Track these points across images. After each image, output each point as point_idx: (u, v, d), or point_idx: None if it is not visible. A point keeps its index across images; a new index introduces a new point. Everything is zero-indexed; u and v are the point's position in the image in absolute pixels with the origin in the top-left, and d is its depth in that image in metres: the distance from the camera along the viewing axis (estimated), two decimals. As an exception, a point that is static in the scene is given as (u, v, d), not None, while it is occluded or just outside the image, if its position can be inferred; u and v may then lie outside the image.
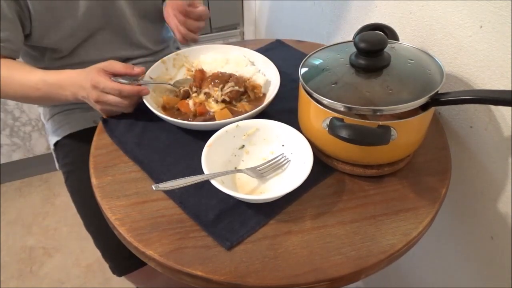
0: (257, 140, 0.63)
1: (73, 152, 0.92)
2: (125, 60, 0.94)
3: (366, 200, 0.57)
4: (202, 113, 0.70)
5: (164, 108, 0.73)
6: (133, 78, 0.71)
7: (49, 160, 1.68)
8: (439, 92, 0.54)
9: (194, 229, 0.54)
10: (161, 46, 1.02)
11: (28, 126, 1.55)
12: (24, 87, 0.74)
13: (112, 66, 0.69)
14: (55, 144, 0.95)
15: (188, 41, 0.82)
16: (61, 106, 0.95)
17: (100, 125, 0.72)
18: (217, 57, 0.81)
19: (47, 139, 1.00)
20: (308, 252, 0.51)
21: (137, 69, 0.70)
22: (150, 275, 0.89)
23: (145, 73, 0.75)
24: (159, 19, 0.95)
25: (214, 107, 0.72)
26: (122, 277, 0.87)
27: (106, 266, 0.87)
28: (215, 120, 0.68)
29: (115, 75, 0.69)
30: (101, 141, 0.69)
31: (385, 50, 0.57)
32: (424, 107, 0.55)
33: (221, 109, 0.71)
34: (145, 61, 0.96)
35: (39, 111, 1.49)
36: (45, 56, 0.86)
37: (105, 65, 0.69)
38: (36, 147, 1.62)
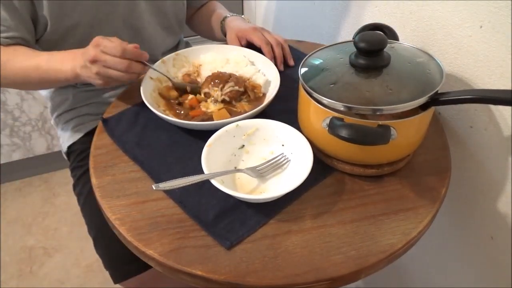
0: (257, 140, 0.64)
1: (83, 154, 0.90)
2: None
3: (366, 200, 0.57)
4: (196, 113, 0.72)
5: (162, 96, 0.75)
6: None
7: (49, 160, 1.69)
8: (438, 91, 0.54)
9: (194, 228, 0.54)
10: None
11: (28, 126, 1.55)
12: (24, 69, 0.76)
13: (109, 49, 0.66)
14: (69, 147, 0.94)
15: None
16: (69, 104, 0.94)
17: (100, 125, 0.72)
18: (217, 57, 0.81)
19: (60, 144, 0.99)
20: (308, 252, 0.51)
21: (135, 50, 0.68)
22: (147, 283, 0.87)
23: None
24: (178, 32, 1.00)
25: (211, 107, 0.72)
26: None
27: (106, 266, 0.87)
28: (213, 120, 0.68)
29: None
30: (101, 141, 0.69)
31: (385, 50, 0.57)
32: (424, 107, 0.55)
33: (219, 109, 0.71)
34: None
35: (40, 110, 1.50)
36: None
37: (103, 46, 0.66)
38: (36, 147, 1.62)
